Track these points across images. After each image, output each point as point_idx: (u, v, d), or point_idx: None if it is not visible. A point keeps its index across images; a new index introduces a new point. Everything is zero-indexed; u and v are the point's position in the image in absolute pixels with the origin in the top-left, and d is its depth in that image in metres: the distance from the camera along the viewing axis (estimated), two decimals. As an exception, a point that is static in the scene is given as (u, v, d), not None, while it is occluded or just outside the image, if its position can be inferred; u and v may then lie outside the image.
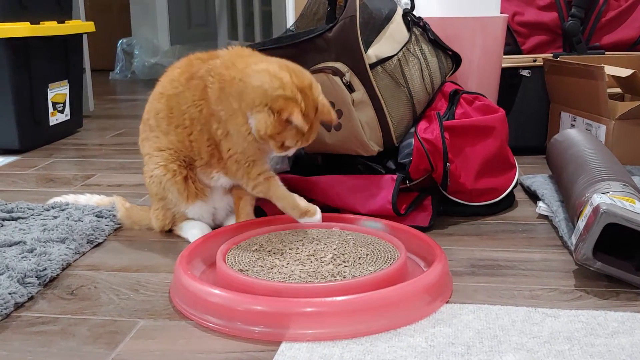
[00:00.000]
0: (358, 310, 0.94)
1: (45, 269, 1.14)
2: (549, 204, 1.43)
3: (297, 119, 1.13)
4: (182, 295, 1.03)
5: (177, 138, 1.29)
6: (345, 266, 1.09)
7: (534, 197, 1.57)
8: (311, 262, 1.11)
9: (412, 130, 1.42)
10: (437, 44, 1.51)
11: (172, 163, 1.29)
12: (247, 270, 1.09)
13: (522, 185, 1.65)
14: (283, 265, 1.10)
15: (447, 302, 1.03)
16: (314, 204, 1.43)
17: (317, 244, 1.18)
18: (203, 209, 1.34)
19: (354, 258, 1.12)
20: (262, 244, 1.19)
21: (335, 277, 1.05)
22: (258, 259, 1.13)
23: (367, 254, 1.14)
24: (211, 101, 1.22)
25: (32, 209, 1.48)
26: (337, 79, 1.34)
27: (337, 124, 1.37)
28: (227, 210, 1.38)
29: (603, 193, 1.14)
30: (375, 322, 0.94)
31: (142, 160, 1.36)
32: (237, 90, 1.18)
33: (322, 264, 1.10)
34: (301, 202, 1.27)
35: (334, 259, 1.12)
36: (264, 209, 1.41)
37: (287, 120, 1.15)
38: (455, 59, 1.55)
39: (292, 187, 1.45)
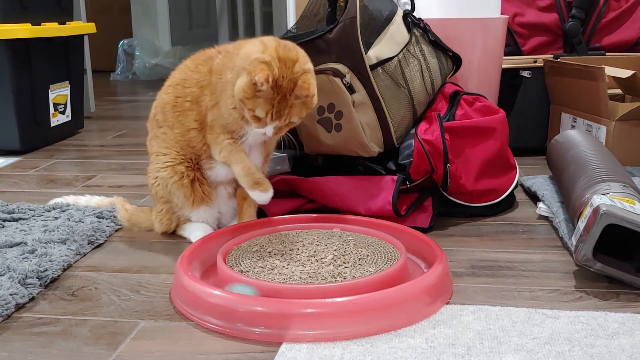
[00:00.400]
0: (358, 311, 0.94)
1: (46, 269, 1.14)
2: (549, 204, 1.43)
3: (259, 78, 1.09)
4: (183, 296, 1.04)
5: (179, 131, 1.29)
6: (345, 267, 1.09)
7: (534, 198, 1.57)
8: (312, 263, 1.11)
9: (413, 131, 1.42)
10: (437, 45, 1.51)
11: (179, 164, 1.30)
12: (247, 271, 1.09)
13: (522, 186, 1.65)
14: (283, 266, 1.10)
15: (447, 303, 1.03)
16: (315, 204, 1.44)
17: (318, 245, 1.18)
18: (208, 214, 1.34)
19: (354, 259, 1.12)
20: (263, 245, 1.20)
21: (335, 278, 1.05)
22: (259, 259, 1.13)
23: (368, 255, 1.14)
24: (213, 73, 1.24)
25: (33, 210, 1.48)
26: (337, 80, 1.34)
27: (337, 124, 1.38)
28: (231, 214, 1.38)
29: (603, 194, 1.14)
30: (376, 323, 0.94)
31: (143, 161, 1.37)
32: (233, 62, 1.19)
33: (323, 265, 1.10)
34: (257, 173, 1.23)
35: (335, 260, 1.12)
36: (265, 211, 1.41)
37: (255, 84, 1.12)
38: (456, 60, 1.56)
39: (293, 188, 1.46)
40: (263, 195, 1.23)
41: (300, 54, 1.18)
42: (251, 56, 1.14)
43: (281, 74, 1.13)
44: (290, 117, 1.17)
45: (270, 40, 1.18)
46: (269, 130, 1.17)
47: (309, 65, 1.18)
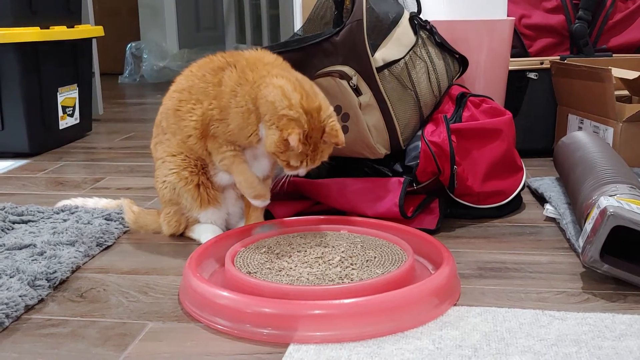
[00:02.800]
0: (366, 312, 0.94)
1: (55, 271, 1.15)
2: (557, 206, 1.43)
3: (293, 140, 1.13)
4: (191, 297, 1.04)
5: (181, 137, 1.29)
6: (353, 269, 1.09)
7: (541, 199, 1.57)
8: (319, 264, 1.11)
9: (419, 133, 1.43)
10: (443, 47, 1.51)
11: (184, 170, 1.30)
12: (255, 272, 1.09)
13: (529, 187, 1.65)
14: (291, 268, 1.10)
15: (454, 305, 1.03)
16: (321, 206, 1.45)
17: (325, 247, 1.19)
18: (216, 215, 1.34)
19: (361, 261, 1.12)
20: (271, 247, 1.20)
21: (343, 279, 1.05)
22: (266, 261, 1.14)
23: (375, 257, 1.14)
24: (223, 87, 1.23)
25: (42, 212, 1.49)
26: (344, 82, 1.34)
27: (343, 126, 1.38)
28: (239, 214, 1.38)
29: (610, 195, 1.14)
30: (383, 324, 0.94)
31: (151, 163, 1.37)
32: (252, 95, 1.19)
33: (330, 266, 1.11)
34: (259, 185, 1.27)
35: (342, 262, 1.12)
36: (272, 213, 1.41)
37: (287, 141, 1.15)
38: (462, 62, 1.56)
39: (300, 190, 1.46)
40: (263, 203, 1.29)
41: (321, 98, 1.20)
42: (276, 109, 1.16)
43: (310, 127, 1.16)
44: (322, 159, 1.22)
45: (292, 92, 1.17)
46: (302, 172, 1.23)
47: (331, 109, 1.21)
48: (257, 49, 1.30)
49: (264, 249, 1.19)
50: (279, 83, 1.18)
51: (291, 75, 1.22)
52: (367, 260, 1.13)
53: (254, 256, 1.16)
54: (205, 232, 1.33)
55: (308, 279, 1.06)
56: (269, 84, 1.18)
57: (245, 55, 1.28)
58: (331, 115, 1.20)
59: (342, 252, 1.16)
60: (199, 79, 1.28)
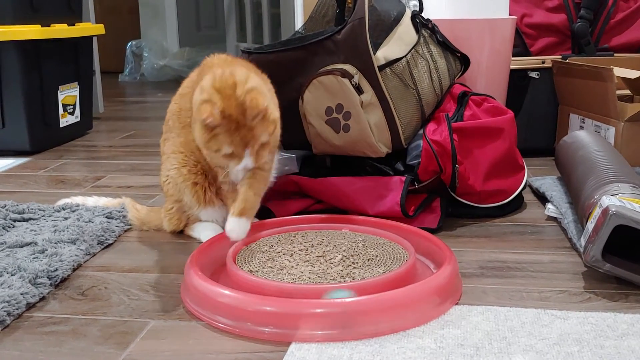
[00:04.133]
0: (367, 311, 0.94)
1: (56, 269, 1.15)
2: (558, 205, 1.43)
3: (204, 117, 1.07)
4: (193, 295, 1.04)
5: (183, 140, 1.31)
6: (354, 267, 1.09)
7: (542, 198, 1.57)
8: (320, 263, 1.11)
9: (421, 132, 1.42)
10: (445, 46, 1.51)
11: (183, 167, 1.31)
12: (257, 271, 1.09)
13: (531, 187, 1.65)
14: (292, 267, 1.10)
15: (456, 304, 1.03)
16: (323, 205, 1.45)
17: (327, 246, 1.19)
18: (217, 214, 1.35)
19: (363, 259, 1.12)
20: (272, 245, 1.20)
21: (344, 278, 1.05)
22: (268, 260, 1.14)
23: (377, 256, 1.14)
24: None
25: (43, 210, 1.49)
26: (345, 80, 1.34)
27: (345, 125, 1.38)
28: None
29: (612, 195, 1.14)
30: (385, 323, 0.94)
31: (152, 162, 1.38)
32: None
33: (332, 265, 1.10)
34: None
35: (344, 260, 1.12)
36: (272, 210, 1.41)
37: (207, 125, 1.10)
38: (464, 61, 1.56)
39: (301, 189, 1.46)
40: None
41: (237, 76, 1.13)
42: (195, 103, 1.13)
43: (225, 103, 1.10)
44: (259, 139, 1.13)
45: (208, 77, 1.14)
46: (249, 161, 1.14)
47: (251, 84, 1.13)
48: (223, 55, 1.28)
49: (265, 248, 1.19)
50: (202, 80, 1.15)
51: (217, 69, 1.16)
52: (368, 259, 1.12)
53: (256, 255, 1.16)
54: (205, 230, 1.33)
55: (310, 278, 1.06)
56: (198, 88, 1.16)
57: (203, 67, 1.25)
58: (251, 89, 1.11)
59: (344, 250, 1.16)
60: (194, 83, 1.28)
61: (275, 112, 1.17)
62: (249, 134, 1.11)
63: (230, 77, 1.12)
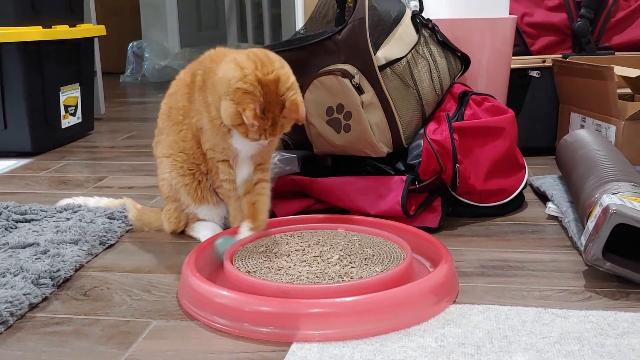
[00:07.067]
0: (366, 310, 0.95)
1: (58, 270, 1.15)
2: (559, 204, 1.43)
3: (248, 117, 1.08)
4: (191, 296, 1.04)
5: (174, 138, 1.32)
6: (352, 267, 1.10)
7: (543, 197, 1.57)
8: (318, 263, 1.12)
9: (422, 131, 1.43)
10: (446, 46, 1.51)
11: (173, 170, 1.33)
12: (254, 271, 1.10)
13: (531, 186, 1.65)
14: (290, 267, 1.10)
15: (455, 303, 1.04)
16: (324, 205, 1.45)
17: (323, 246, 1.19)
18: (213, 212, 1.36)
19: (360, 259, 1.13)
20: (269, 246, 1.20)
21: (342, 277, 1.06)
22: (265, 260, 1.14)
23: (374, 255, 1.14)
24: (195, 90, 1.25)
25: (45, 211, 1.49)
26: (346, 80, 1.34)
27: (346, 125, 1.38)
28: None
29: (613, 194, 1.14)
30: (384, 322, 0.95)
31: (153, 162, 1.38)
32: (212, 82, 1.18)
33: (329, 265, 1.11)
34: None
35: (341, 260, 1.12)
36: (273, 210, 1.41)
37: (244, 123, 1.11)
38: (464, 61, 1.56)
39: (302, 189, 1.47)
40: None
41: (280, 71, 1.13)
42: (230, 82, 1.11)
43: (267, 100, 1.11)
44: (283, 130, 1.16)
45: (245, 61, 1.13)
46: (264, 142, 1.18)
47: (292, 80, 1.14)
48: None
49: (262, 248, 1.19)
50: (231, 57, 1.15)
51: (250, 50, 1.18)
52: (365, 259, 1.13)
53: (253, 255, 1.16)
54: (204, 229, 1.34)
55: (308, 278, 1.06)
56: (222, 63, 1.16)
57: (210, 55, 1.26)
58: (292, 87, 1.13)
59: (340, 250, 1.16)
60: (182, 81, 1.32)
61: (303, 107, 1.16)
62: (277, 127, 1.14)
63: (274, 72, 1.12)
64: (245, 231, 1.23)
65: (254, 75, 1.10)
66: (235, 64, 1.12)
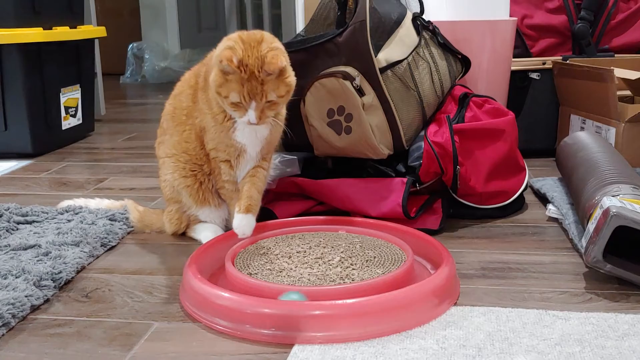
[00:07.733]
0: (367, 312, 0.95)
1: (60, 272, 1.16)
2: (559, 206, 1.43)
3: (223, 59, 1.11)
4: (192, 298, 1.04)
5: (177, 139, 1.32)
6: (353, 269, 1.10)
7: (543, 199, 1.57)
8: (319, 265, 1.12)
9: (422, 133, 1.43)
10: (446, 48, 1.51)
11: (175, 171, 1.33)
12: (256, 273, 1.10)
13: (532, 187, 1.65)
14: (291, 269, 1.11)
15: (454, 304, 1.04)
16: (324, 206, 1.45)
17: (324, 247, 1.19)
18: (215, 214, 1.36)
19: (361, 261, 1.13)
20: (270, 248, 1.20)
21: (344, 279, 1.06)
22: (267, 262, 1.14)
23: (375, 257, 1.14)
24: (198, 90, 1.27)
25: (46, 213, 1.49)
26: (347, 83, 1.35)
27: (346, 127, 1.38)
28: None
29: (613, 196, 1.14)
30: (385, 324, 0.95)
31: (154, 163, 1.38)
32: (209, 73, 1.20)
33: (330, 267, 1.11)
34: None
35: (342, 262, 1.12)
36: (274, 212, 1.42)
37: (223, 69, 1.13)
38: (465, 63, 1.56)
39: (303, 190, 1.47)
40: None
41: (266, 36, 1.18)
42: (218, 54, 1.16)
43: (246, 54, 1.13)
44: (266, 95, 1.15)
45: (233, 35, 1.19)
46: (252, 115, 1.15)
47: (277, 44, 1.18)
48: None
49: (263, 250, 1.19)
50: (226, 38, 1.19)
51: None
52: (366, 261, 1.13)
53: (254, 257, 1.16)
54: (205, 230, 1.34)
55: (309, 280, 1.06)
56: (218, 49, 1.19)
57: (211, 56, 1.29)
58: (275, 48, 1.16)
59: (342, 252, 1.17)
60: (186, 82, 1.33)
61: (292, 77, 1.19)
62: (259, 87, 1.14)
63: (260, 36, 1.17)
64: (236, 218, 1.23)
65: (237, 37, 1.16)
66: (224, 41, 1.17)
